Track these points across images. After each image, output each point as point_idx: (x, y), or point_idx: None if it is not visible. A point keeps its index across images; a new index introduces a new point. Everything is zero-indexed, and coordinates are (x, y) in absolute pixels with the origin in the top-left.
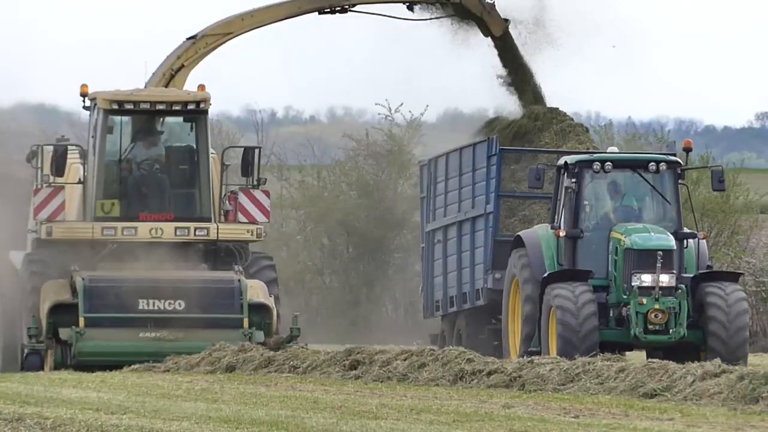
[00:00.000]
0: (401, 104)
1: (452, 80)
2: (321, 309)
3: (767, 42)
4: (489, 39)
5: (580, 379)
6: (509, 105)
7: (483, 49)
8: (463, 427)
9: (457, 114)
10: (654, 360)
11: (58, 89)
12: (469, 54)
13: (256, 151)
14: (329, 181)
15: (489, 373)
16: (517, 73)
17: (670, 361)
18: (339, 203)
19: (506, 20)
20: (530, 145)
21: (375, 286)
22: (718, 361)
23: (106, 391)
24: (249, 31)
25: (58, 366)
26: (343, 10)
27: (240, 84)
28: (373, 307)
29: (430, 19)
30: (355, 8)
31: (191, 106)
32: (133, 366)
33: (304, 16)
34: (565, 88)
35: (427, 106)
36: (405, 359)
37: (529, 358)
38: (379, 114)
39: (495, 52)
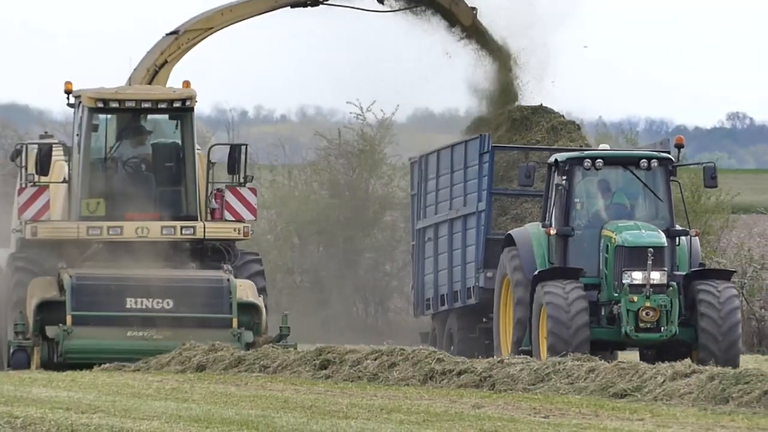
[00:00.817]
0: (373, 102)
1: (422, 80)
2: (291, 308)
3: (739, 42)
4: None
5: (550, 379)
6: (480, 106)
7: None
8: (433, 427)
9: (427, 114)
10: (623, 360)
11: (29, 89)
12: (432, 47)
13: (243, 148)
14: (300, 180)
15: (459, 373)
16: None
17: (641, 362)
18: (310, 203)
19: (473, 8)
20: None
21: (346, 285)
22: (688, 361)
23: (76, 390)
24: (229, 25)
25: (44, 363)
26: (315, 3)
27: (210, 83)
28: (343, 306)
29: (398, 10)
30: (328, 1)
31: (177, 104)
32: (103, 365)
33: (280, 10)
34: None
35: (398, 105)
36: (375, 359)
37: (499, 358)
38: (350, 113)
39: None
